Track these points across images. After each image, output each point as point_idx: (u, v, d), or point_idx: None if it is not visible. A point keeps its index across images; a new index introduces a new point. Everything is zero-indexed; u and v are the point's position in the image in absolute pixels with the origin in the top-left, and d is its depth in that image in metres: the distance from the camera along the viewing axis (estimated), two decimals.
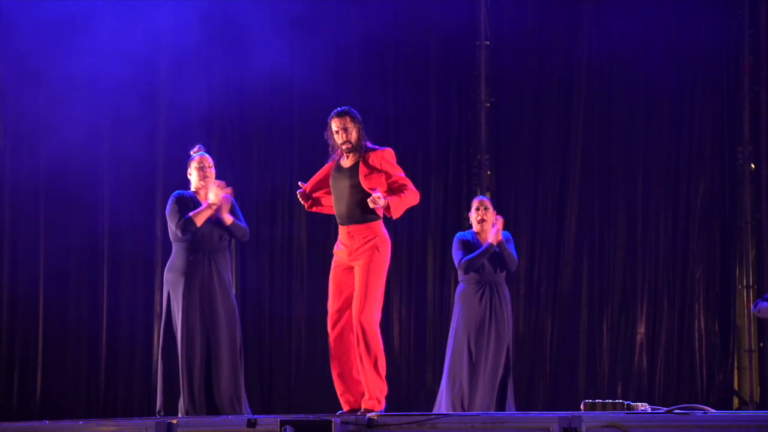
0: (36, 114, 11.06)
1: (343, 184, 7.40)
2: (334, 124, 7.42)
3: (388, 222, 10.98)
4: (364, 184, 7.33)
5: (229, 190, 8.28)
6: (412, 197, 7.37)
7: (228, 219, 8.30)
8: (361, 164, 7.37)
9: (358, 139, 7.39)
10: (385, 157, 7.39)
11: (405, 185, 7.40)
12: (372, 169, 7.36)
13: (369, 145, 7.45)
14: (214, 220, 8.28)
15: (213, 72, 11.35)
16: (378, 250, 7.34)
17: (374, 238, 7.35)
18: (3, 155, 10.99)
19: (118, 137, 11.12)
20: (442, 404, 9.43)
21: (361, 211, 7.35)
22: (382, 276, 7.35)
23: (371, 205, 7.25)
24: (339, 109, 7.45)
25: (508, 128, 11.90)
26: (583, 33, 11.93)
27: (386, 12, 11.67)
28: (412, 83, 11.74)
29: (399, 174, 7.41)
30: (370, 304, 7.28)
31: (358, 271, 7.35)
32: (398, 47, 11.74)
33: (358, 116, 7.42)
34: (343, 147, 7.41)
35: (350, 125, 7.39)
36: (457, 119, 11.90)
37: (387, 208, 7.29)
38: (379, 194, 7.23)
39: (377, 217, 7.41)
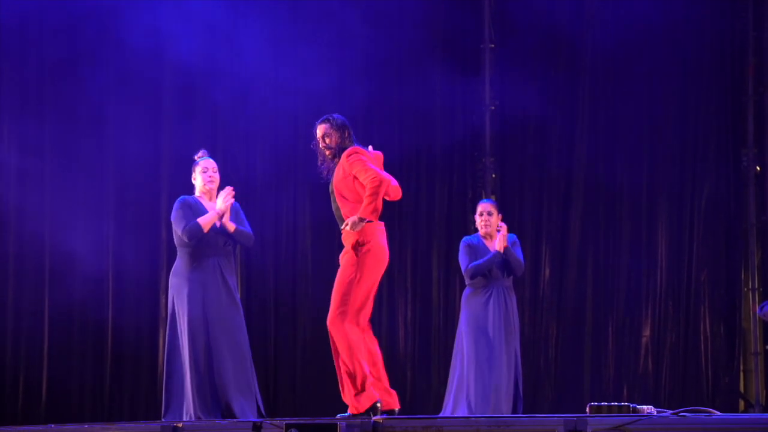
0: (40, 124, 11.07)
1: (330, 191, 7.54)
2: (318, 132, 7.58)
3: (395, 225, 10.99)
4: (341, 207, 7.43)
5: (231, 192, 8.26)
6: (370, 190, 7.27)
7: (231, 226, 8.28)
8: (335, 171, 7.49)
9: (338, 143, 7.47)
10: (345, 161, 7.41)
11: (365, 182, 7.33)
12: (344, 174, 7.43)
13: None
14: (219, 226, 8.28)
15: (220, 79, 11.35)
16: (356, 255, 7.35)
17: (355, 242, 7.36)
18: (8, 152, 11.00)
19: (123, 141, 11.13)
20: (449, 408, 9.41)
21: (342, 217, 7.44)
22: (358, 280, 7.33)
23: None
24: (322, 117, 7.59)
25: (513, 131, 11.90)
26: (587, 36, 11.93)
27: (392, 14, 11.68)
28: (416, 86, 11.74)
29: (358, 171, 7.37)
30: (335, 308, 7.33)
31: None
32: (402, 50, 11.74)
33: (339, 121, 7.50)
34: (326, 153, 7.53)
35: (330, 131, 7.50)
36: (462, 122, 11.90)
37: (364, 220, 7.30)
38: (348, 222, 7.30)
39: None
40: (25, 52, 11.08)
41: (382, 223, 7.44)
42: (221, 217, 8.22)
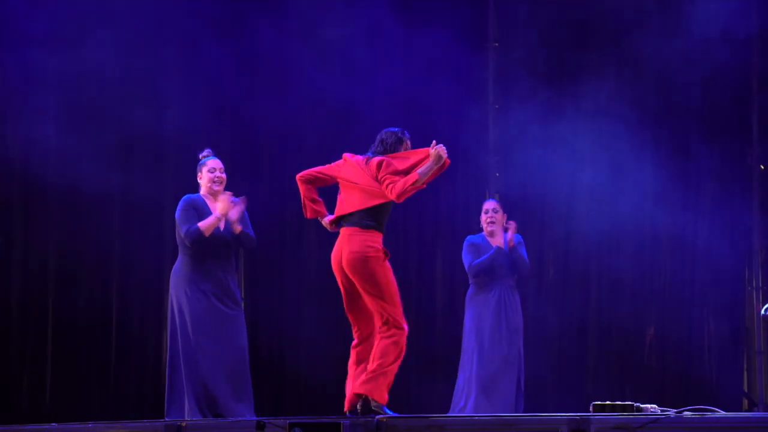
0: (45, 128, 11.06)
1: None
2: None
3: (398, 225, 11.02)
4: None
5: (242, 199, 8.29)
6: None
7: (237, 228, 8.28)
8: None
9: None
10: None
11: None
12: None
13: None
14: (223, 228, 8.26)
15: (223, 90, 11.33)
16: None
17: None
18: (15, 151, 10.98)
19: (127, 142, 11.12)
20: (456, 408, 9.42)
21: None
22: None
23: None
24: None
25: (516, 130, 11.90)
26: (591, 35, 11.92)
27: (395, 12, 11.68)
28: (419, 85, 11.74)
29: None
30: None
31: None
32: (406, 49, 11.74)
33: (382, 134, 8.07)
34: None
35: None
36: (465, 121, 11.90)
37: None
38: None
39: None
40: None
41: (342, 227, 7.61)
42: (222, 219, 8.21)
